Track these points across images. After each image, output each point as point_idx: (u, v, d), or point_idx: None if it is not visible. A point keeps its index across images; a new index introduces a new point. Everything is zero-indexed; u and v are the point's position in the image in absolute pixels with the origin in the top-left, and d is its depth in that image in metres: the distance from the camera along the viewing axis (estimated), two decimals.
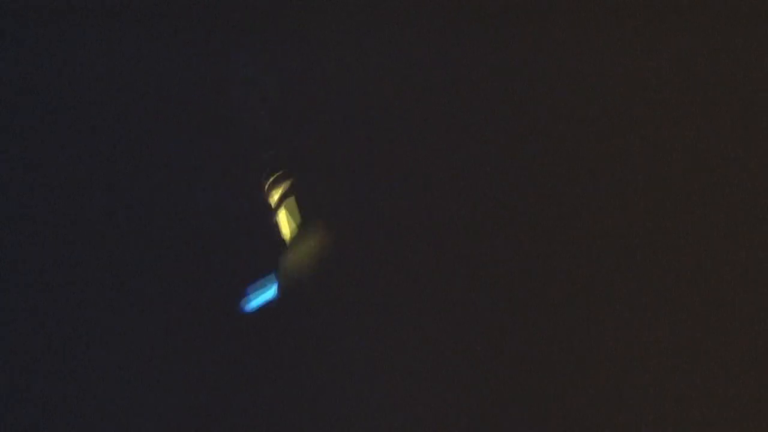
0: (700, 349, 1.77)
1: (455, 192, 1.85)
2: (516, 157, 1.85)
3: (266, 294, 1.83)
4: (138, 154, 1.89)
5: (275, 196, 1.84)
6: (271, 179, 1.83)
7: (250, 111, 1.88)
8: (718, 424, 1.74)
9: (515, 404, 1.79)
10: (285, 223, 1.84)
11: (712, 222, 1.79)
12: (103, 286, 1.86)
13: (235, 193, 1.89)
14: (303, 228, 1.82)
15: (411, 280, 1.85)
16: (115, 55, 1.89)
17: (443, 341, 1.83)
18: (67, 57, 1.88)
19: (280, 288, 1.82)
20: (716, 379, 1.76)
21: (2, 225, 1.87)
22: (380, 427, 1.81)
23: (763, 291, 1.76)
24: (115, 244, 1.87)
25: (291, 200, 1.84)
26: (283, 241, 1.85)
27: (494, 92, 1.85)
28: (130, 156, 1.89)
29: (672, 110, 1.82)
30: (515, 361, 1.80)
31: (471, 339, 1.82)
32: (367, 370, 1.84)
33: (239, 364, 1.85)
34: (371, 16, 1.88)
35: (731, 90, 1.81)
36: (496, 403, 1.79)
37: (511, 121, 1.85)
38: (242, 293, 1.86)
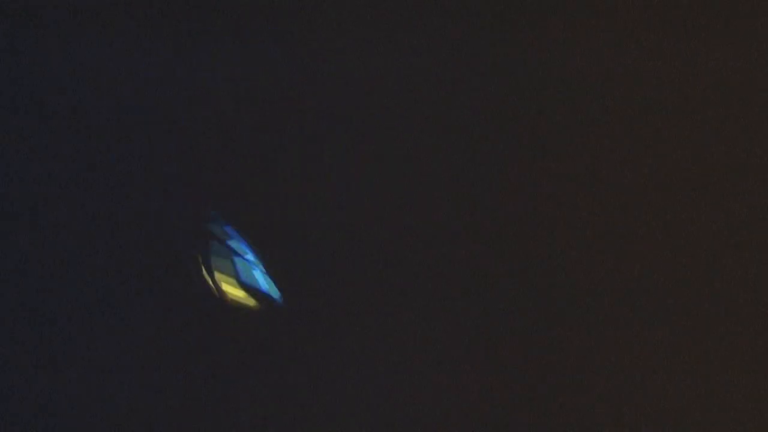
0: (701, 349, 1.76)
1: (455, 192, 1.85)
2: (515, 157, 1.84)
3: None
4: (137, 154, 1.89)
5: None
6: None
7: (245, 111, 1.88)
8: (718, 424, 1.74)
9: (515, 404, 1.79)
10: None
11: (713, 222, 1.79)
12: (101, 285, 1.86)
13: (232, 195, 1.88)
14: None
15: (410, 280, 1.84)
16: (114, 54, 1.89)
17: (442, 341, 1.82)
18: (68, 56, 1.88)
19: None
20: (716, 379, 1.75)
21: (2, 225, 1.86)
22: (379, 426, 1.81)
23: (763, 291, 1.76)
24: (113, 245, 1.87)
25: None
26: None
27: (494, 92, 1.85)
28: (129, 156, 1.89)
29: (672, 110, 1.82)
30: (515, 361, 1.80)
31: (471, 339, 1.82)
32: (366, 370, 1.83)
33: (238, 365, 1.85)
34: (371, 16, 1.87)
35: (731, 90, 1.81)
36: (496, 403, 1.79)
37: (510, 121, 1.85)
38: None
